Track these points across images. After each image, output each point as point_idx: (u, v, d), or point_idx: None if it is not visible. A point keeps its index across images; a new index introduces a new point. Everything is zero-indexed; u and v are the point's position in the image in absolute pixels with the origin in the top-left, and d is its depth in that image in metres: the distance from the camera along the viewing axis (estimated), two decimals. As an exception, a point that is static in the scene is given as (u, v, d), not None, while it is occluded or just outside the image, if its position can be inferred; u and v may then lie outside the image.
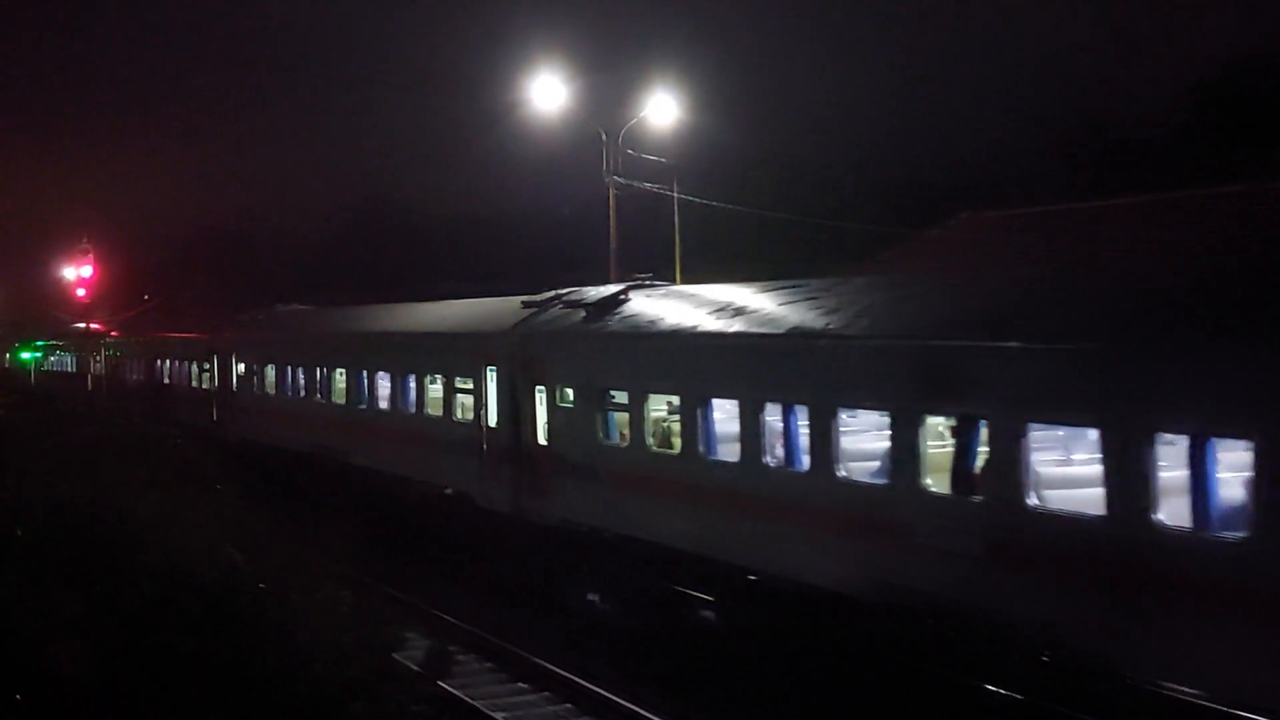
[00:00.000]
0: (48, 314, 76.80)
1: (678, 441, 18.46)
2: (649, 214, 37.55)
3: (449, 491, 24.86)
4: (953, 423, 14.25)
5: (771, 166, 51.30)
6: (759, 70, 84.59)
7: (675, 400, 18.60)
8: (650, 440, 18.89)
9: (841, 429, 15.49)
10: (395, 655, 10.30)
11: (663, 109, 33.43)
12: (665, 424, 19.06)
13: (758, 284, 19.99)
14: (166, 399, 44.51)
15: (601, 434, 19.87)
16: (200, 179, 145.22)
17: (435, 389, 25.79)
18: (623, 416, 19.58)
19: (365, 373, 28.68)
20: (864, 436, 16.64)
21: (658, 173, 34.48)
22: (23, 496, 10.75)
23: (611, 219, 33.20)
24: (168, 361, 46.25)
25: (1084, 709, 12.61)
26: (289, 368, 33.63)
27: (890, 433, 14.57)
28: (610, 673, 17.55)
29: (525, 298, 23.77)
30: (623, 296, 21.28)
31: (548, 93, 32.62)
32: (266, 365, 35.40)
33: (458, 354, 24.43)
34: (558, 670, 17.77)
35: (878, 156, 53.67)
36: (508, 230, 68.45)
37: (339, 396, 30.18)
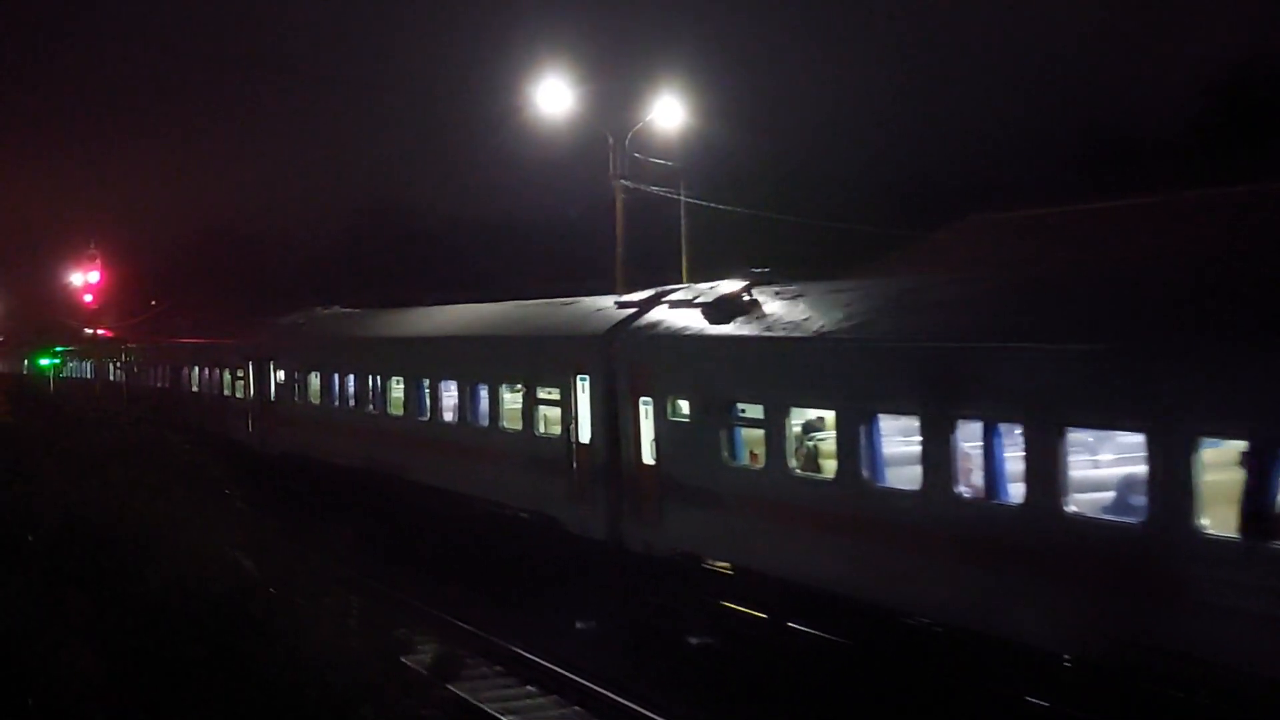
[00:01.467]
0: (56, 320, 76.61)
1: (829, 463, 15.95)
2: (656, 217, 37.55)
3: (524, 514, 22.74)
4: (1244, 447, 11.15)
5: (778, 169, 51.29)
6: (765, 73, 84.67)
7: (824, 415, 16.31)
8: (793, 462, 16.31)
9: (1070, 451, 12.70)
10: (404, 659, 10.32)
11: (669, 112, 33.42)
12: (812, 443, 16.57)
13: (890, 279, 18.04)
14: (195, 408, 42.25)
15: (726, 453, 17.39)
16: (207, 184, 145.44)
17: (512, 400, 23.54)
18: (754, 434, 17.12)
19: (427, 381, 26.36)
20: (1095, 461, 13.92)
21: (664, 176, 34.48)
22: (34, 501, 10.80)
23: (618, 222, 33.20)
24: (195, 368, 43.65)
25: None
26: (336, 375, 31.18)
27: (1150, 459, 11.71)
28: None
29: (619, 297, 21.89)
30: (747, 295, 18.55)
31: (554, 96, 32.63)
32: (310, 373, 32.97)
33: (541, 361, 22.14)
34: (566, 674, 17.76)
35: (885, 159, 53.68)
36: (514, 234, 68.50)
37: (396, 407, 27.91)
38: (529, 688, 18.00)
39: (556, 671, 18.06)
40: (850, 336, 15.67)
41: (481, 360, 24.37)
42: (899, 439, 15.29)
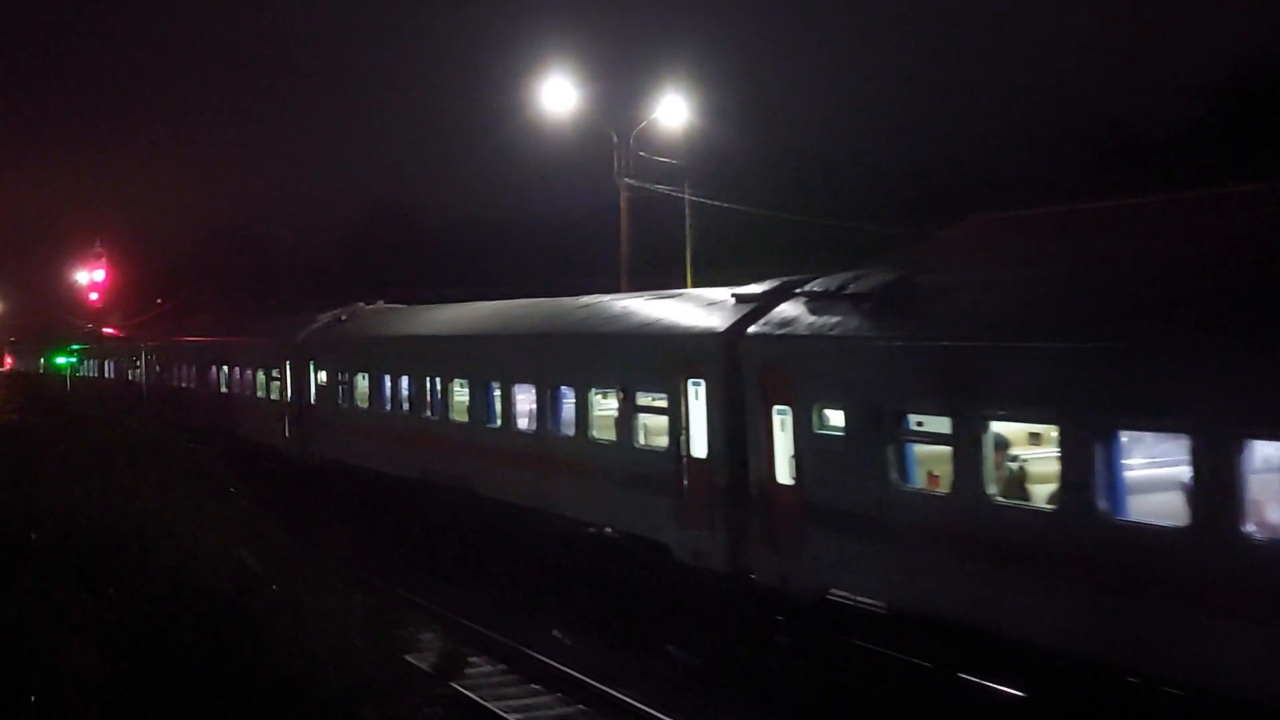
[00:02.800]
0: (67, 319, 76.59)
1: (1040, 489, 13.58)
2: (660, 216, 37.56)
3: (610, 531, 20.85)
4: None
5: (782, 168, 51.29)
6: (769, 71, 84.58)
7: (1035, 431, 14.16)
8: (990, 487, 13.61)
9: None
10: (408, 657, 10.32)
11: (673, 111, 33.46)
12: (1016, 464, 14.11)
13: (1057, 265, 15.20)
14: (224, 411, 39.63)
15: (895, 474, 14.81)
16: (211, 183, 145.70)
17: (604, 407, 21.25)
18: (932, 451, 14.71)
19: (497, 385, 23.90)
20: None
21: (669, 175, 34.50)
22: (37, 500, 10.81)
23: (623, 221, 33.23)
24: (225, 368, 40.67)
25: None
26: (388, 377, 28.64)
27: None
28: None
29: (736, 290, 19.14)
30: (906, 285, 15.93)
31: (559, 95, 32.69)
32: (357, 374, 30.41)
33: (642, 363, 19.70)
34: (570, 671, 17.77)
35: (888, 157, 53.61)
36: (519, 233, 68.53)
37: (460, 413, 25.40)
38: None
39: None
40: (1099, 338, 12.67)
41: (565, 362, 21.91)
42: (1143, 461, 12.96)
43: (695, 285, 30.39)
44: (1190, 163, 38.86)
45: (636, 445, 19.82)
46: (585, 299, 24.47)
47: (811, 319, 16.79)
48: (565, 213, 60.38)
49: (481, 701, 16.53)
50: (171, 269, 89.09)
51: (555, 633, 20.35)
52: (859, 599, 15.67)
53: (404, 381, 27.85)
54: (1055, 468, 13.05)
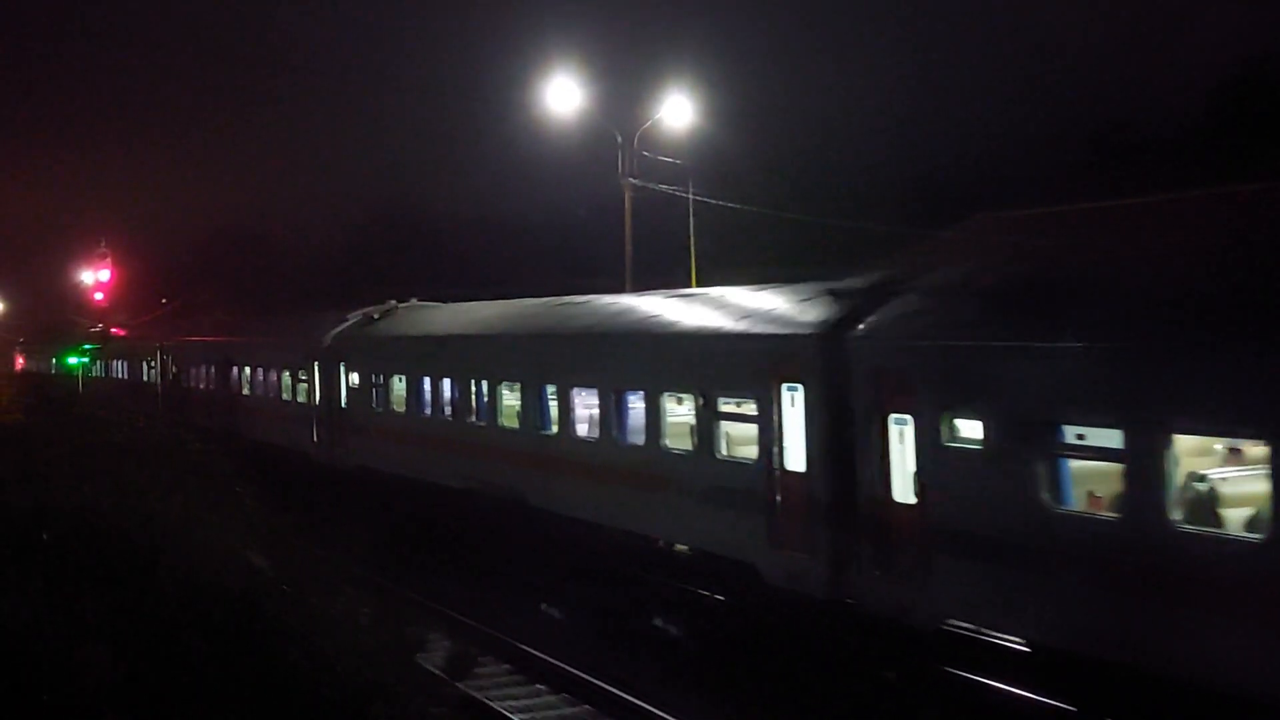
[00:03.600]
0: (78, 319, 76.53)
1: (1235, 514, 11.92)
2: (664, 216, 37.62)
3: (683, 549, 19.38)
4: None
5: (786, 168, 51.34)
6: (773, 71, 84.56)
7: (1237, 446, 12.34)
8: (1173, 512, 11.88)
9: None
10: (416, 658, 10.38)
11: (678, 111, 33.50)
12: (1205, 485, 12.38)
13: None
14: (248, 414, 37.82)
15: (1047, 494, 13.04)
16: (216, 183, 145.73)
17: (679, 413, 19.67)
18: (1093, 469, 13.02)
19: (553, 389, 22.15)
20: None
21: (673, 175, 34.57)
22: (47, 500, 10.88)
23: (627, 221, 33.29)
24: (248, 369, 38.56)
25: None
26: (428, 379, 26.85)
27: None
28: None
29: (830, 285, 17.55)
30: (1045, 280, 14.43)
31: (563, 95, 32.72)
32: (393, 376, 28.71)
33: (727, 366, 17.89)
34: (575, 672, 17.81)
35: (892, 157, 53.66)
36: (523, 232, 68.59)
37: (510, 419, 23.71)
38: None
39: None
40: None
41: (632, 363, 20.12)
42: None
43: (699, 285, 30.37)
44: (1193, 162, 38.89)
45: (718, 456, 18.03)
46: (648, 295, 22.77)
47: (935, 318, 15.01)
48: (568, 213, 60.46)
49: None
50: (176, 268, 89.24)
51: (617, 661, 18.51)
52: (989, 633, 13.87)
53: (446, 384, 26.12)
54: (1259, 489, 11.26)
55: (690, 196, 34.93)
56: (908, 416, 14.77)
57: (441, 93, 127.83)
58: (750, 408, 17.37)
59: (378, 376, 29.29)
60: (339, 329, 31.90)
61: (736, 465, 17.76)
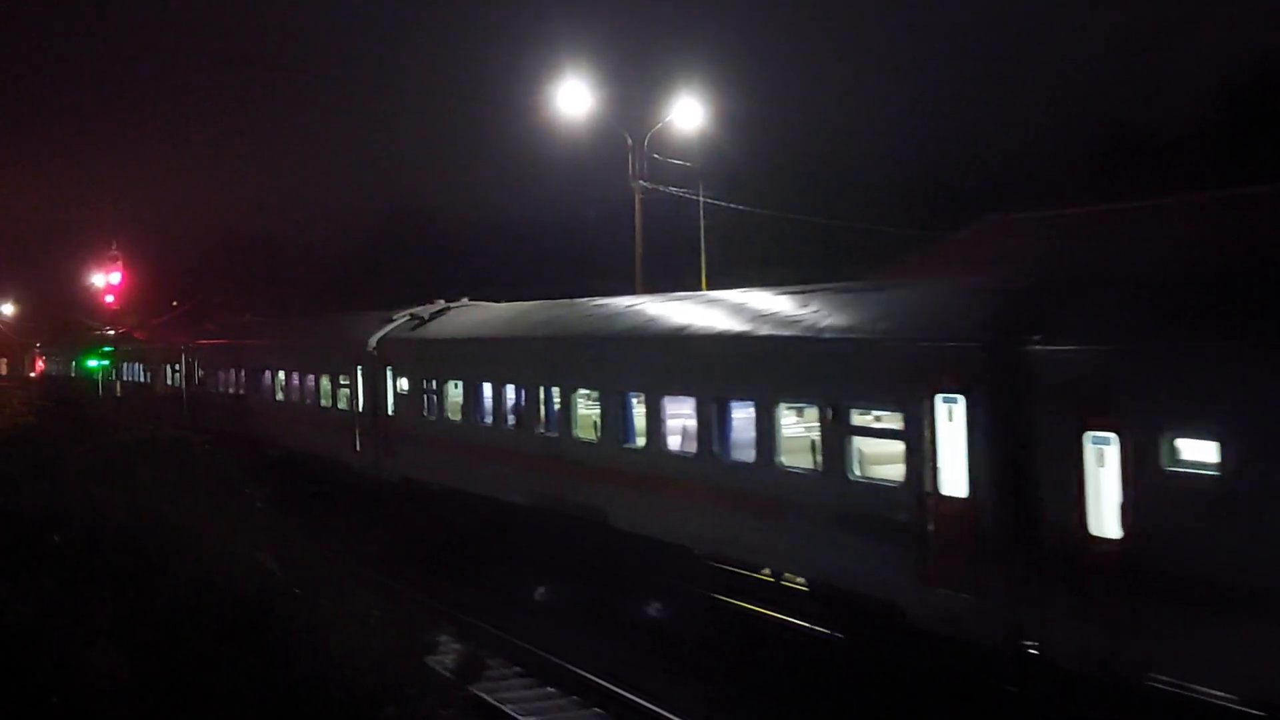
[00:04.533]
0: (79, 320, 76.62)
1: None
2: (673, 219, 37.63)
3: (800, 581, 17.47)
4: None
5: (796, 170, 51.34)
6: (784, 74, 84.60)
7: None
8: None
9: None
10: (427, 661, 10.34)
11: (688, 113, 33.49)
12: None
13: None
14: (280, 421, 35.85)
15: None
16: (227, 186, 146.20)
17: (796, 425, 17.94)
18: None
19: (639, 397, 20.12)
20: None
21: (683, 177, 34.57)
22: (58, 502, 10.85)
23: (637, 224, 33.29)
24: (281, 374, 36.56)
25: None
26: (488, 385, 24.67)
27: None
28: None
29: (988, 280, 15.66)
30: None
31: (574, 98, 32.73)
32: (447, 381, 26.60)
33: (863, 373, 15.61)
34: (587, 675, 17.79)
35: (903, 160, 53.64)
36: (533, 235, 68.66)
37: (586, 430, 21.76)
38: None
39: None
40: None
41: (740, 370, 17.94)
42: None
43: (710, 288, 30.34)
44: (1205, 164, 38.80)
45: (851, 477, 15.74)
46: (751, 292, 20.40)
47: (1144, 319, 12.82)
48: (578, 215, 60.49)
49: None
50: (186, 271, 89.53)
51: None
52: (1196, 689, 11.98)
53: (509, 390, 23.96)
54: None
55: (700, 199, 34.93)
56: (1111, 435, 12.54)
57: (451, 95, 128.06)
58: (894, 422, 15.11)
59: (430, 382, 27.23)
60: (384, 331, 29.88)
61: (874, 488, 15.44)
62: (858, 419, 15.88)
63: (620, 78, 41.37)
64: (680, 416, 19.55)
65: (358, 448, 30.20)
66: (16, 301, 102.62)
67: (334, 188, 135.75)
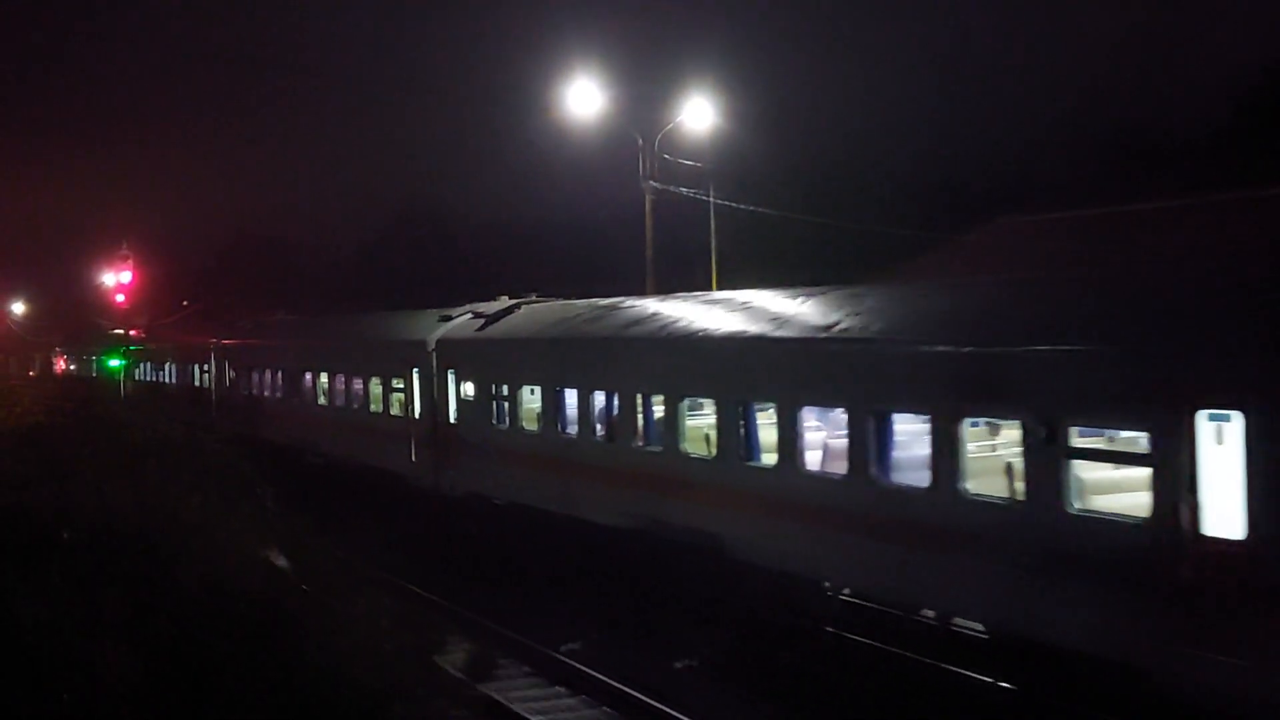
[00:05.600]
0: (90, 320, 76.63)
1: None
2: (685, 219, 37.61)
3: (983, 631, 14.73)
4: None
5: (807, 171, 51.29)
6: (795, 75, 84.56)
7: None
8: None
9: None
10: (436, 659, 10.35)
11: (699, 114, 33.44)
12: None
13: None
14: (325, 427, 33.27)
15: None
16: (237, 186, 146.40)
17: (980, 445, 15.63)
18: None
19: (767, 407, 17.63)
20: None
21: (694, 178, 34.53)
22: (69, 500, 10.89)
23: (648, 224, 33.25)
24: (324, 376, 34.03)
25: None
26: (573, 392, 22.04)
27: None
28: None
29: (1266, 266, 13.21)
30: None
31: (584, 98, 32.68)
32: (522, 387, 23.95)
33: (1091, 382, 13.01)
34: (595, 674, 17.76)
35: (914, 161, 53.56)
36: (543, 236, 68.70)
37: (698, 444, 19.00)
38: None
39: None
40: None
41: (908, 376, 15.28)
42: None
43: (720, 288, 30.30)
44: (1217, 166, 38.71)
45: (1070, 510, 13.14)
46: (905, 286, 17.90)
47: None
48: (588, 216, 60.50)
49: None
50: (197, 270, 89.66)
51: None
52: None
53: (598, 398, 21.44)
54: None
55: (711, 200, 34.89)
56: None
57: (462, 96, 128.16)
58: (1138, 444, 12.65)
59: (500, 387, 24.62)
60: (443, 331, 27.54)
61: (1103, 524, 12.82)
62: (1082, 440, 13.26)
63: (631, 78, 41.39)
64: (827, 432, 17.44)
65: (413, 457, 27.85)
66: (27, 301, 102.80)
67: (345, 189, 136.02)
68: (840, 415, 16.44)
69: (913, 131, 55.87)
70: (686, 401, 19.25)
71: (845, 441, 16.04)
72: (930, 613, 15.35)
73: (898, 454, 15.49)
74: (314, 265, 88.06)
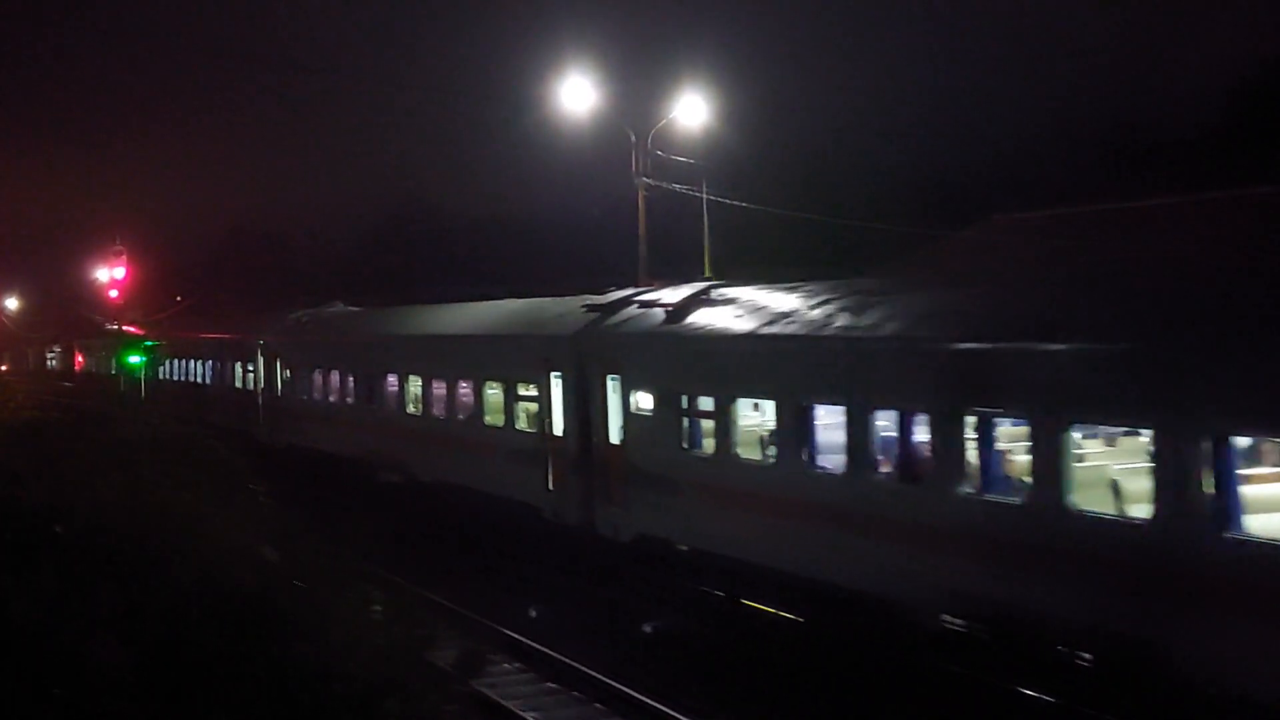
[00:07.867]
0: (83, 316, 76.39)
1: None
2: (678, 216, 37.60)
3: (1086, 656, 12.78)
4: None
5: (800, 168, 51.30)
6: (788, 71, 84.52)
7: None
8: None
9: None
10: (427, 655, 10.37)
11: (692, 110, 33.45)
12: None
13: None
14: (414, 443, 28.03)
15: None
16: (230, 181, 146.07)
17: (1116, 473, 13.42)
18: None
19: (965, 421, 14.30)
20: None
21: (687, 174, 34.54)
22: (62, 494, 10.91)
23: (640, 221, 33.27)
24: (415, 380, 28.66)
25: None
26: (820, 409, 17.01)
27: None
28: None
29: None
30: None
31: (577, 94, 32.68)
32: (734, 400, 18.55)
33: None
34: (587, 670, 17.80)
35: (907, 158, 53.60)
36: (536, 232, 68.68)
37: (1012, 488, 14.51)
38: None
39: None
40: None
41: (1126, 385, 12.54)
42: None
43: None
44: (1209, 165, 38.77)
45: (1235, 535, 11.26)
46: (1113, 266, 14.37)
47: None
48: (581, 212, 60.48)
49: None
50: (191, 266, 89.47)
51: None
52: None
53: (878, 419, 15.92)
54: None
55: (704, 196, 34.90)
56: None
57: (455, 92, 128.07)
58: None
59: (692, 400, 19.22)
60: (589, 323, 22.60)
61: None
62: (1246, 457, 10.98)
63: (624, 74, 41.28)
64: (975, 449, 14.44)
65: (550, 485, 22.66)
66: (19, 296, 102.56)
67: (338, 183, 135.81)
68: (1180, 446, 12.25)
69: (906, 127, 55.92)
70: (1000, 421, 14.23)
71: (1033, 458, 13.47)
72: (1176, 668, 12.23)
73: (1120, 484, 13.26)
74: (308, 261, 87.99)
